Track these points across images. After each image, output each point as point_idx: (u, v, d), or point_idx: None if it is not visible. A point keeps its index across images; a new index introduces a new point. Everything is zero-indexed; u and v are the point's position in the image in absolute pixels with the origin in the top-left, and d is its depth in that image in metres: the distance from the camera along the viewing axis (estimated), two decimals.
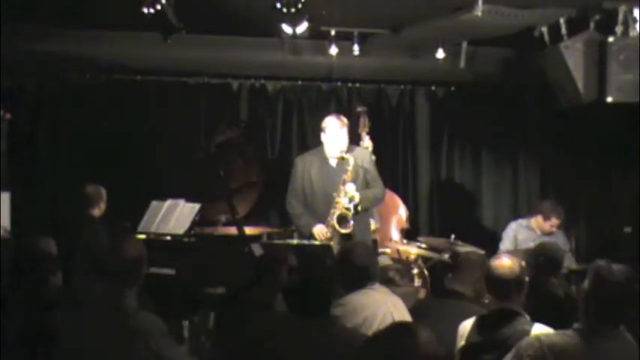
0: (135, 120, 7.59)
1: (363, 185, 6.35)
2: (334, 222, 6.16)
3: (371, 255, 4.79)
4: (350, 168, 6.19)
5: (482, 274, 4.09)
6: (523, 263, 4.03)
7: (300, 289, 3.60)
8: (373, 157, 6.76)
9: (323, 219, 6.23)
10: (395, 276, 5.52)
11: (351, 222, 6.16)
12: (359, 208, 6.21)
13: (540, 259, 4.89)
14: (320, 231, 6.19)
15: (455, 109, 8.36)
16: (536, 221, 7.56)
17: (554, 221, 7.52)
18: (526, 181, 8.50)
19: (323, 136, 6.35)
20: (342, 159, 6.25)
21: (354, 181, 6.21)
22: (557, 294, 4.19)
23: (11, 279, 4.33)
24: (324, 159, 6.37)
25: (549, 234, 7.49)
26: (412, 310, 4.62)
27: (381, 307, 4.39)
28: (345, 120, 6.35)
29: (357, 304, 4.33)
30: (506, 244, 7.56)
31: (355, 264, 4.50)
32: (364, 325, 4.18)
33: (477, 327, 3.89)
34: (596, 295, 3.31)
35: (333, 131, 6.27)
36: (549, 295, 4.19)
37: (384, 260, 5.67)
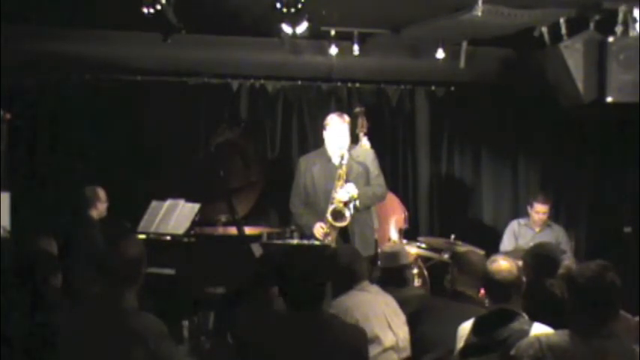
0: (135, 120, 7.59)
1: (359, 180, 6.34)
2: (329, 216, 6.18)
3: (355, 254, 4.79)
4: (345, 162, 6.21)
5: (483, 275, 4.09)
6: (520, 263, 4.02)
7: (296, 283, 3.59)
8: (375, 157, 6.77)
9: (323, 216, 6.25)
10: None
11: (347, 215, 6.18)
12: (357, 204, 6.22)
13: (538, 259, 4.89)
14: (318, 229, 6.22)
15: (455, 109, 8.35)
16: (531, 216, 7.58)
17: (538, 207, 7.52)
18: (526, 181, 8.49)
19: (325, 134, 6.39)
20: (341, 156, 6.27)
21: (348, 175, 6.22)
22: (554, 293, 4.19)
23: (11, 279, 4.33)
24: (327, 157, 6.40)
25: (542, 225, 7.48)
26: (419, 311, 4.61)
27: (373, 308, 4.38)
28: (346, 117, 6.41)
29: (347, 305, 4.33)
30: (505, 243, 7.57)
31: (340, 265, 4.50)
32: None
33: (476, 327, 3.90)
34: (583, 296, 3.30)
35: (335, 128, 6.31)
36: (547, 294, 4.18)
37: None
